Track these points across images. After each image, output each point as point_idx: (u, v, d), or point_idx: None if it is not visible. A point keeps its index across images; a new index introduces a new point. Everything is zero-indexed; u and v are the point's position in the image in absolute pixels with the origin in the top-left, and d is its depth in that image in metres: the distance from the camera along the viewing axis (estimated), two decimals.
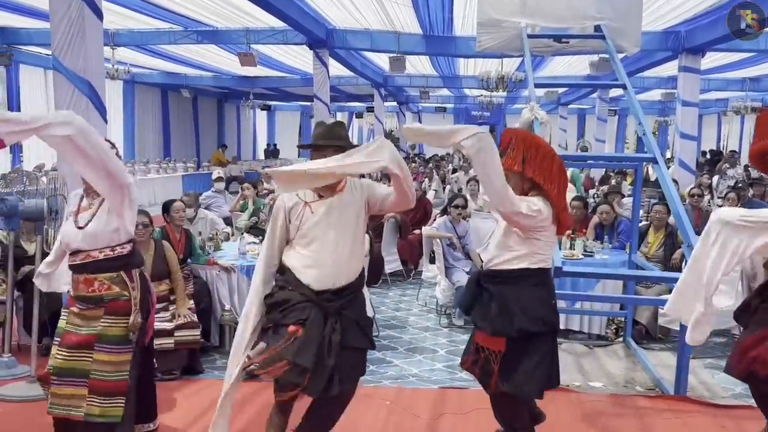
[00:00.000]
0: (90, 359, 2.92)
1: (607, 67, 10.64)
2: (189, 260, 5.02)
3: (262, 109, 24.77)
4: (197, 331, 4.46)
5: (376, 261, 6.70)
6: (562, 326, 5.28)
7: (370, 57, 14.22)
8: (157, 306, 4.47)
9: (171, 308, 4.53)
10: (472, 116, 23.92)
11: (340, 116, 27.60)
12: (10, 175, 4.50)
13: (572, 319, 5.36)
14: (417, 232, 7.63)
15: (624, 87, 5.17)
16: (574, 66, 13.86)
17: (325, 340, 2.73)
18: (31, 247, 4.70)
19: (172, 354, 4.34)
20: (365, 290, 5.35)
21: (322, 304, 2.78)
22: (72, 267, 3.02)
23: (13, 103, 13.87)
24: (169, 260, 4.56)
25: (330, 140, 2.89)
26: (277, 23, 10.27)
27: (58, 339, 3.00)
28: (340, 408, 2.91)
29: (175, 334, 4.35)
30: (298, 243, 2.85)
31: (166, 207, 5.05)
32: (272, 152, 24.27)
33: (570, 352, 5.03)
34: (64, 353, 2.93)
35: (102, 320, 2.93)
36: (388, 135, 25.19)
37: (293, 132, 27.31)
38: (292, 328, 2.71)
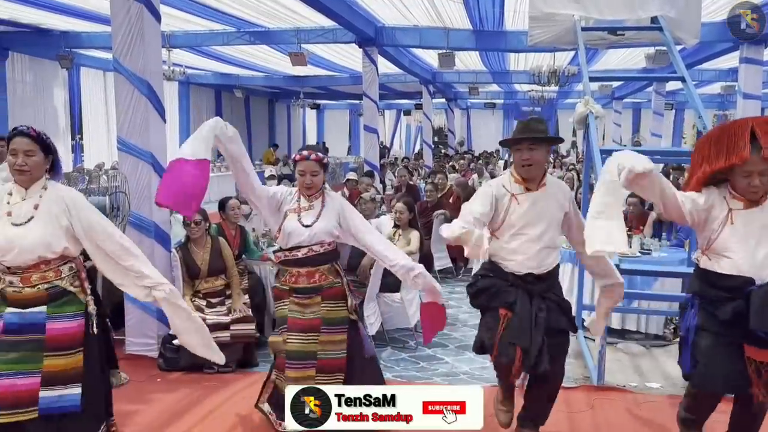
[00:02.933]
0: (316, 341, 3.18)
1: (664, 59, 10.32)
2: (243, 256, 5.12)
3: (311, 108, 25.06)
4: (252, 325, 4.55)
5: (425, 258, 6.67)
6: (617, 326, 5.18)
7: (418, 54, 14.18)
8: (213, 300, 4.62)
9: (227, 303, 4.63)
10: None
11: (388, 114, 27.67)
12: (72, 174, 4.67)
13: (629, 318, 5.23)
14: None
15: (682, 80, 5.00)
16: (628, 59, 13.47)
17: (533, 318, 2.92)
18: None
19: (228, 347, 4.42)
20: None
21: (527, 287, 2.97)
22: (291, 262, 3.25)
23: (75, 105, 14.45)
24: (225, 256, 4.66)
25: (525, 133, 3.00)
26: (327, 22, 10.36)
27: (285, 326, 3.24)
28: (553, 387, 3.13)
29: (231, 327, 4.45)
30: (505, 232, 3.02)
31: (222, 204, 5.16)
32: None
33: (626, 352, 4.91)
34: (295, 337, 3.19)
35: (322, 305, 3.22)
36: (437, 132, 25.12)
37: (342, 130, 27.51)
38: (503, 311, 2.94)
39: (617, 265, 3.60)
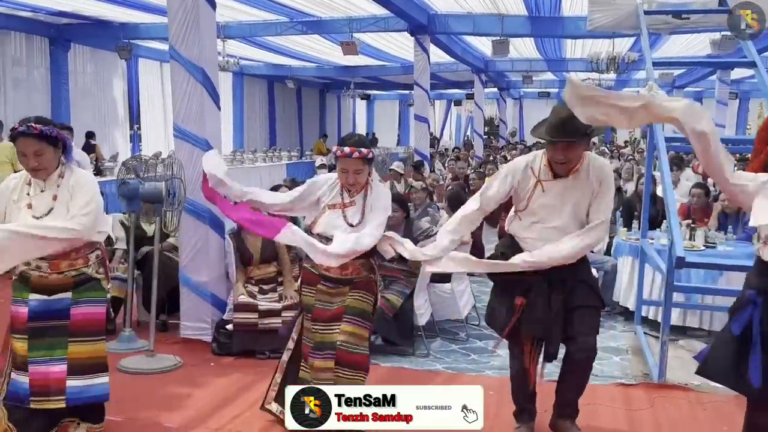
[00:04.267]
0: (338, 330, 2.98)
1: (730, 45, 9.83)
2: None
3: (361, 99, 25.09)
4: None
5: (476, 248, 6.56)
6: (679, 323, 4.96)
7: (471, 42, 13.97)
8: (266, 287, 4.64)
9: (279, 289, 4.65)
10: None
11: (439, 104, 27.44)
12: (129, 162, 4.76)
13: (691, 315, 5.00)
14: None
15: (753, 65, 4.73)
16: (690, 46, 12.92)
17: (550, 306, 2.84)
18: (150, 228, 4.98)
19: (280, 334, 4.46)
20: (466, 277, 5.28)
21: (546, 273, 2.84)
22: None
23: (133, 96, 14.86)
24: (277, 243, 4.68)
25: (560, 134, 2.76)
26: (379, 11, 10.30)
27: (309, 315, 3.09)
28: (586, 363, 2.99)
29: (282, 314, 4.46)
30: (526, 218, 2.93)
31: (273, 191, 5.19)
32: (371, 141, 24.47)
33: (688, 350, 4.69)
34: (320, 327, 3.03)
35: (349, 294, 3.02)
36: (488, 122, 24.76)
37: (392, 121, 27.45)
38: (518, 300, 2.88)
39: (681, 258, 3.44)
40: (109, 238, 2.88)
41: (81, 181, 2.75)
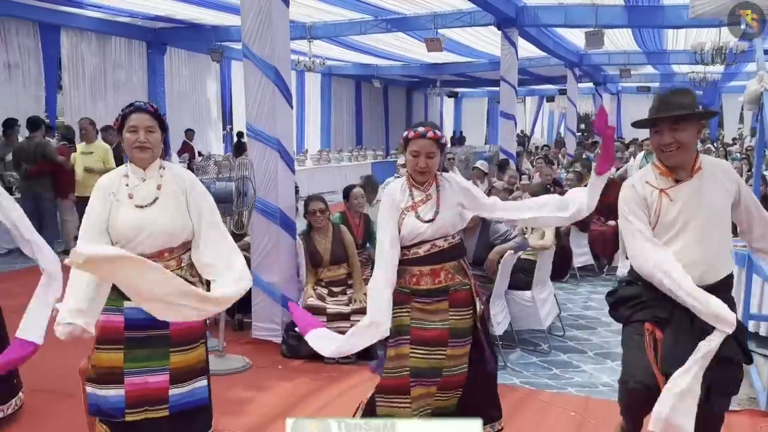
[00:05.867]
0: (444, 356, 2.70)
1: None
2: (367, 245, 5.00)
3: (448, 97, 24.74)
4: None
5: (563, 253, 6.18)
6: None
7: (563, 34, 13.36)
8: (335, 289, 4.53)
9: (348, 292, 4.53)
10: None
11: (529, 101, 26.63)
12: (200, 163, 4.79)
13: None
14: (612, 223, 6.93)
15: None
16: None
17: (693, 343, 2.32)
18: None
19: None
20: (549, 284, 4.94)
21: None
22: (412, 260, 2.75)
23: (226, 98, 15.35)
24: (347, 245, 4.56)
25: (665, 110, 2.46)
26: (465, 5, 10.03)
27: (408, 337, 2.72)
28: (715, 428, 2.52)
29: (351, 318, 4.33)
30: (659, 236, 2.49)
31: (346, 192, 5.09)
32: (458, 140, 24.14)
33: None
34: (422, 352, 2.71)
35: (450, 313, 2.72)
36: (583, 119, 23.73)
37: (480, 119, 26.90)
38: (648, 325, 2.44)
39: None
40: None
41: (197, 184, 2.60)
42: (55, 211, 7.73)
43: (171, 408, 2.47)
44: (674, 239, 2.45)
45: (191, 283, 2.52)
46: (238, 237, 4.96)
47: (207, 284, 2.60)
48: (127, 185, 2.52)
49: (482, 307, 2.80)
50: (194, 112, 14.21)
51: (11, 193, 6.85)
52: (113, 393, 2.42)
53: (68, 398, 3.54)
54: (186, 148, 12.56)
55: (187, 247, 2.58)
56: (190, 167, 9.95)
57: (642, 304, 2.50)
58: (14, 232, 2.88)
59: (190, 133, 12.97)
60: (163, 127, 2.60)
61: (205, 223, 2.56)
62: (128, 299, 2.43)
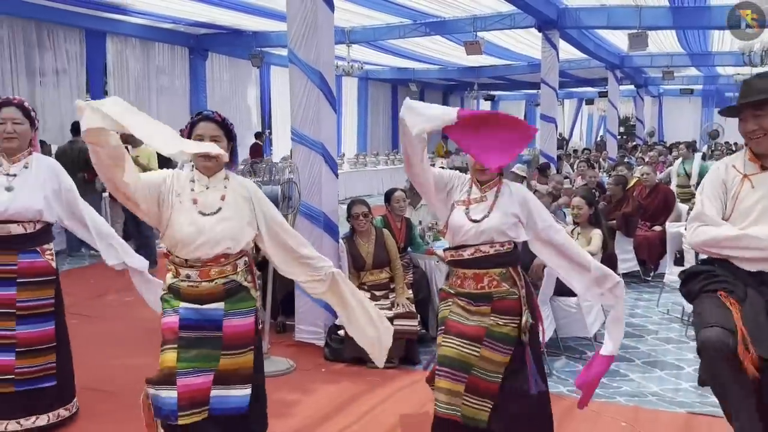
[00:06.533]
0: (477, 354, 2.68)
1: None
2: (409, 249, 4.98)
3: (485, 100, 24.57)
4: (415, 321, 4.38)
5: (608, 259, 6.04)
6: None
7: (605, 36, 13.15)
8: (378, 293, 4.52)
9: (391, 296, 4.51)
10: (726, 98, 20.97)
11: (568, 103, 26.28)
12: (256, 166, 4.84)
13: None
14: (658, 228, 6.77)
15: None
16: None
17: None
18: None
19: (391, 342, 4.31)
20: None
21: (759, 288, 2.39)
22: (458, 262, 2.77)
23: (265, 102, 15.54)
24: (389, 248, 4.55)
25: (746, 96, 2.43)
26: (505, 7, 9.95)
27: (442, 327, 2.81)
28: None
29: (394, 323, 4.30)
30: (735, 223, 2.49)
31: (388, 196, 5.07)
32: None
33: None
34: (456, 342, 2.73)
35: (492, 317, 2.69)
36: (624, 122, 23.29)
37: None
38: (722, 293, 2.39)
39: None
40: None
41: (260, 194, 2.67)
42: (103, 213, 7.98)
43: (211, 410, 2.45)
44: (752, 225, 2.41)
45: (245, 288, 2.57)
46: None
47: (263, 290, 2.64)
48: (192, 190, 2.54)
49: (532, 321, 2.69)
50: (234, 117, 14.39)
51: None
52: (168, 395, 2.43)
53: (114, 397, 3.62)
54: (257, 151, 12.64)
55: (243, 253, 2.59)
56: (253, 170, 10.10)
57: (715, 278, 2.45)
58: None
59: (259, 135, 13.17)
60: (230, 136, 2.61)
61: (277, 224, 2.67)
62: (184, 300, 2.49)
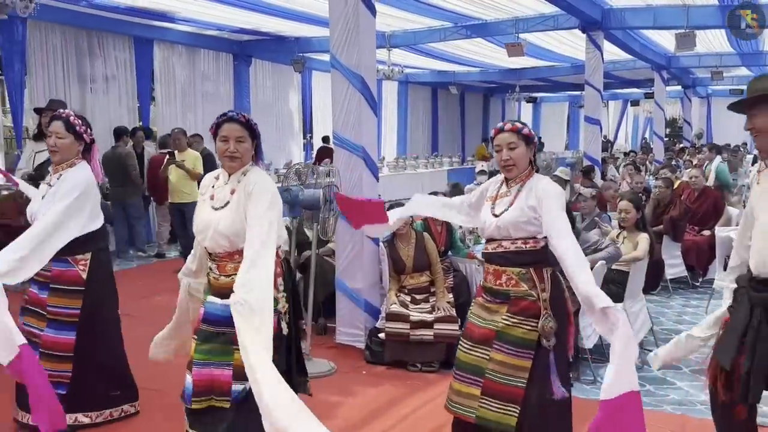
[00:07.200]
0: (487, 357, 2.66)
1: None
2: (449, 253, 4.97)
3: (527, 102, 24.28)
4: (456, 326, 4.36)
5: (655, 265, 5.90)
6: None
7: (650, 36, 12.85)
8: (418, 297, 4.52)
9: (431, 300, 4.51)
10: None
11: (613, 105, 25.75)
12: (299, 170, 4.90)
13: None
14: (707, 232, 6.58)
15: None
16: None
17: (746, 335, 2.38)
18: (311, 234, 5.09)
19: (431, 346, 4.32)
20: (642, 297, 4.73)
21: (749, 294, 2.44)
22: (486, 256, 2.80)
23: (306, 107, 15.69)
24: (429, 252, 4.55)
25: (753, 92, 2.44)
26: (547, 9, 9.81)
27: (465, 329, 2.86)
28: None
29: (435, 326, 4.31)
30: (758, 218, 2.52)
31: None
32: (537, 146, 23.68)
33: None
34: (466, 346, 2.76)
35: (504, 317, 2.66)
36: (670, 124, 22.66)
37: (560, 124, 26.24)
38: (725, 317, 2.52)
39: None
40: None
41: (260, 192, 2.57)
42: (141, 216, 8.36)
43: (234, 400, 2.51)
44: (753, 222, 2.48)
45: None
46: (322, 243, 5.05)
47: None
48: (213, 186, 2.69)
49: (553, 325, 2.59)
50: (277, 122, 14.57)
51: (106, 200, 7.29)
52: (189, 380, 2.58)
53: (164, 395, 3.70)
54: (327, 154, 12.76)
55: None
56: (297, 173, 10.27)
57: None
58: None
59: (327, 138, 13.38)
60: (254, 135, 2.68)
61: (250, 216, 2.52)
62: (212, 293, 2.63)
